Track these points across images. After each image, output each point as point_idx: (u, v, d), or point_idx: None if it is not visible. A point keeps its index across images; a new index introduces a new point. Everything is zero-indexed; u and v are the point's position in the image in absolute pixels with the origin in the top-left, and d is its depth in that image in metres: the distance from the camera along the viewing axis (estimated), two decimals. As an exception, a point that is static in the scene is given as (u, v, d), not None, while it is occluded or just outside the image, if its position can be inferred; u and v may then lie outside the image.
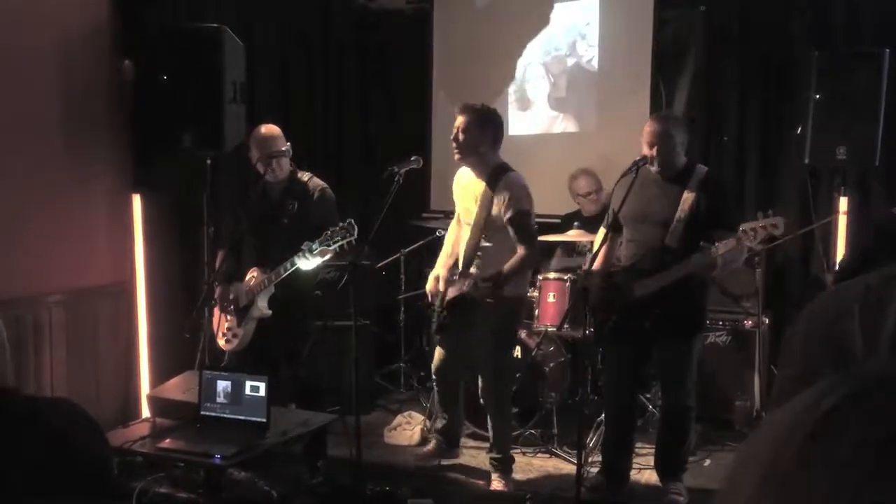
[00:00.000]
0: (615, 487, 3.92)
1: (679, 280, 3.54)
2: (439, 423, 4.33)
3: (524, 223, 3.85)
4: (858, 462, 0.42)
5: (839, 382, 0.47)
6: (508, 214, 3.83)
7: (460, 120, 3.87)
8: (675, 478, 3.88)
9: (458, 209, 4.13)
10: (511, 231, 3.84)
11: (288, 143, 4.07)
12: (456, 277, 4.01)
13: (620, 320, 3.75)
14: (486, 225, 3.89)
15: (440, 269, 4.11)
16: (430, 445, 4.36)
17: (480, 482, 4.12)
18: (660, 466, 3.94)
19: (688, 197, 3.62)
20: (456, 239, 4.19)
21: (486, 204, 3.88)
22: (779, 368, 0.88)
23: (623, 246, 3.87)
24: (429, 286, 4.11)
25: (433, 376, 4.30)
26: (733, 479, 0.49)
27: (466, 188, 4.02)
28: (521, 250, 3.83)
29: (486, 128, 3.89)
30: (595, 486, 3.89)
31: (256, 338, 4.08)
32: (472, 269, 3.93)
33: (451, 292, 3.96)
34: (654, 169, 3.66)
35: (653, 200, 3.70)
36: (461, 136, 3.85)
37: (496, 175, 3.89)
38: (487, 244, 3.91)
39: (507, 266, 3.77)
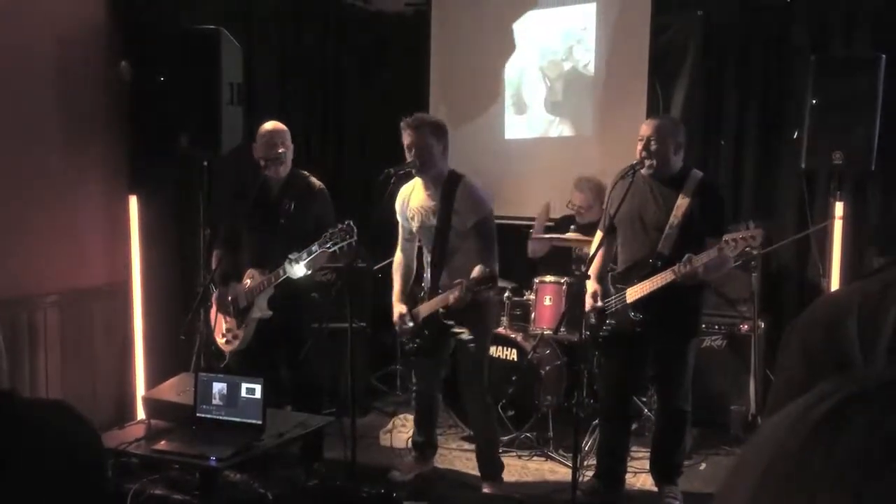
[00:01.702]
0: (611, 491, 3.92)
1: (672, 285, 3.54)
2: (418, 438, 4.33)
3: (487, 227, 3.88)
4: (856, 464, 0.42)
5: (837, 386, 0.47)
6: (472, 221, 3.85)
7: (416, 135, 3.81)
8: (670, 482, 3.88)
9: (410, 227, 4.08)
10: (474, 236, 3.86)
11: (291, 143, 4.09)
12: (422, 295, 4.01)
13: (616, 324, 3.76)
14: (451, 235, 3.89)
15: (400, 305, 4.06)
16: (408, 459, 4.36)
17: (475, 485, 4.11)
18: (655, 470, 3.94)
19: (682, 203, 3.62)
20: (406, 263, 4.17)
21: (446, 214, 3.88)
22: (776, 372, 0.88)
23: (618, 250, 3.88)
24: (396, 320, 4.05)
25: (415, 398, 4.31)
26: (731, 482, 0.49)
27: (418, 202, 4.00)
28: (486, 254, 3.84)
29: (442, 139, 3.89)
30: (590, 490, 3.89)
31: (255, 339, 4.08)
32: (442, 280, 3.92)
33: (425, 310, 3.94)
34: (646, 171, 3.66)
35: (647, 205, 3.70)
36: (423, 153, 3.81)
37: (452, 183, 3.90)
38: (454, 253, 3.91)
39: (487, 268, 3.71)
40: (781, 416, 0.48)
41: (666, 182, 3.69)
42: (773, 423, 0.49)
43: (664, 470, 3.90)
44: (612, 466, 3.94)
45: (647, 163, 3.63)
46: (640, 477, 4.18)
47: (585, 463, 4.15)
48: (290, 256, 3.76)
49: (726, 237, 3.41)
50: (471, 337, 3.94)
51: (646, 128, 3.68)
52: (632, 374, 3.92)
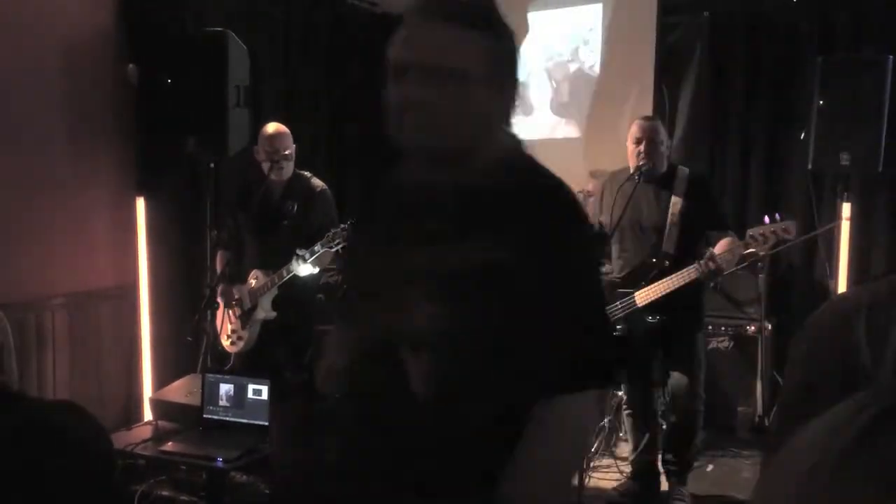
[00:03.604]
0: (646, 490, 3.92)
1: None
2: None
3: None
4: None
5: (872, 399, 0.47)
6: None
7: None
8: (680, 480, 3.87)
9: None
10: None
11: (294, 145, 4.10)
12: None
13: (629, 330, 3.73)
14: None
15: None
16: None
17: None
18: (667, 468, 3.93)
19: (676, 201, 3.63)
20: None
21: None
22: (785, 375, 0.88)
23: (615, 256, 3.84)
24: None
25: None
26: (769, 487, 0.48)
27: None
28: None
29: None
30: (627, 491, 3.92)
31: (259, 341, 4.09)
32: None
33: None
34: (645, 171, 3.64)
35: (642, 207, 3.70)
36: None
37: None
38: None
39: None
40: (815, 430, 0.48)
41: (657, 182, 3.69)
42: (806, 438, 0.48)
43: (676, 467, 3.88)
44: (647, 467, 3.93)
45: (647, 164, 3.63)
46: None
47: (591, 465, 4.14)
48: (297, 253, 3.77)
49: (751, 231, 3.44)
50: None
51: (641, 129, 3.67)
52: (648, 375, 3.89)
